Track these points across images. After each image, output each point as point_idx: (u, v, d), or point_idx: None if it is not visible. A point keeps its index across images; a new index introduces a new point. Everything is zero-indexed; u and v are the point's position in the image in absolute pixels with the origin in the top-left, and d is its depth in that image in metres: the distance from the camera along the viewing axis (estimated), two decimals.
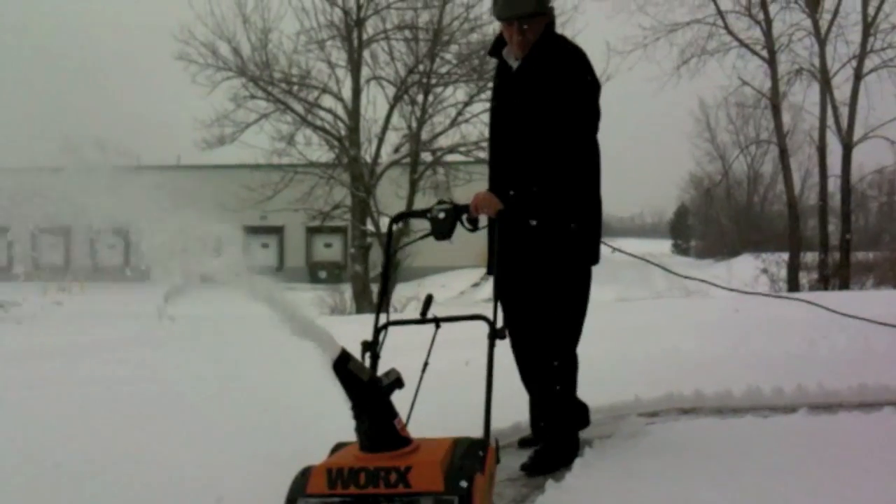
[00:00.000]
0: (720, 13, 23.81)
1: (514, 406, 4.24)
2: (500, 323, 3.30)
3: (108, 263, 50.00)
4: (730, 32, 23.95)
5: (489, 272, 3.85)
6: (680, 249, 75.93)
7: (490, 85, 21.39)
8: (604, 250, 4.11)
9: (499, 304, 3.41)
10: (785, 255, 24.65)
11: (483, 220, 3.74)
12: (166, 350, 8.76)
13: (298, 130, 22.18)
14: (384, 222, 22.77)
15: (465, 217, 3.70)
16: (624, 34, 23.32)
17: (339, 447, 3.03)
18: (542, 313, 3.84)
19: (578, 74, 3.72)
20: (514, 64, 3.88)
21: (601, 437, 4.13)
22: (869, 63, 22.81)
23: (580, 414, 4.09)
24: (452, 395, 4.34)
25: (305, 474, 2.73)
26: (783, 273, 24.50)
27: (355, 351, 3.04)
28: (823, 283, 22.71)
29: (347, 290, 22.83)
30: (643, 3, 23.30)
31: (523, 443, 4.21)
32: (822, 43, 22.94)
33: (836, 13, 22.89)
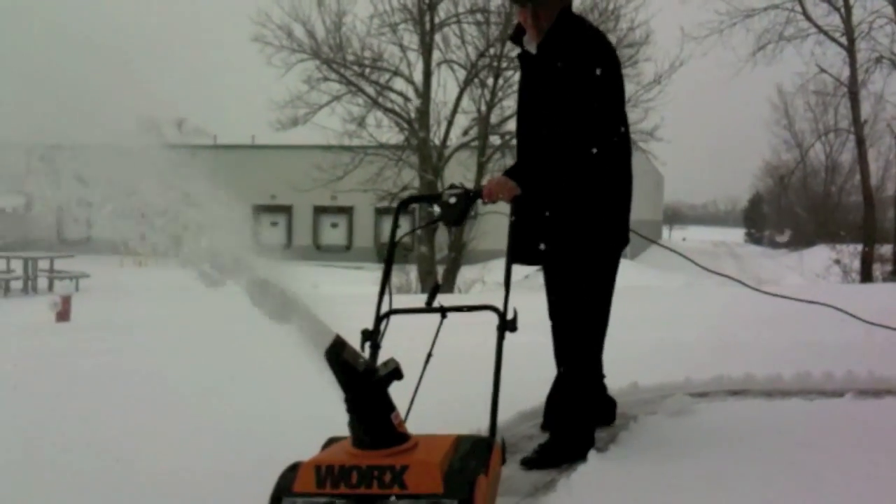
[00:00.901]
0: None
1: (519, 397, 4.25)
2: (510, 314, 3.15)
3: None
4: (808, 18, 23.47)
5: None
6: (753, 238, 74.62)
7: None
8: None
9: (510, 294, 3.28)
10: (860, 247, 24.16)
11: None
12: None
13: (369, 112, 22.55)
14: None
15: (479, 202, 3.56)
16: (699, 19, 23.07)
17: (331, 442, 2.82)
18: (565, 298, 3.77)
19: (590, 58, 3.60)
20: (533, 50, 3.81)
21: (648, 413, 4.27)
22: None
23: (605, 409, 4.11)
24: (459, 387, 4.21)
25: (293, 470, 2.55)
26: (856, 264, 24.03)
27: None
28: None
29: (413, 271, 23.13)
30: None
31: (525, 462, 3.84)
32: None
33: None
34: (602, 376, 4.11)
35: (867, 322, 4.90)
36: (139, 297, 14.23)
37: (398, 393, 2.73)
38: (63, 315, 10.80)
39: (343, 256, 46.35)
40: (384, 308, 3.33)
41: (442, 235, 22.66)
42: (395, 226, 3.73)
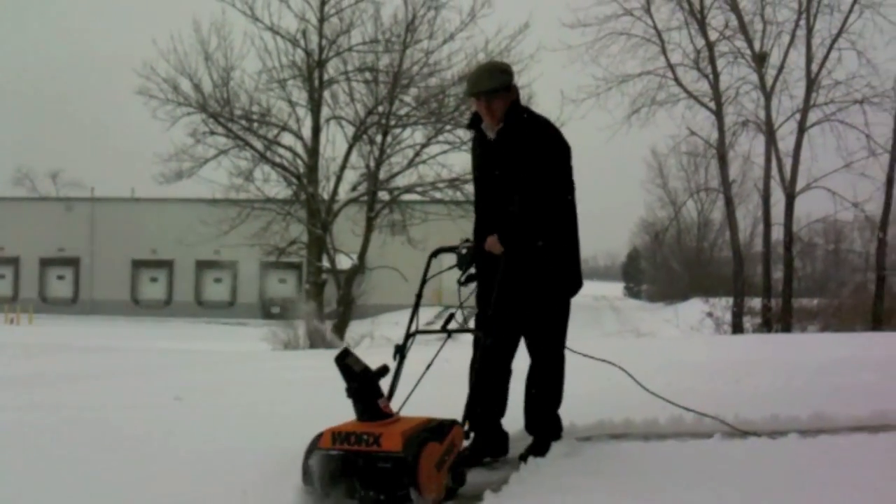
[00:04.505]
0: (670, 66, 24.70)
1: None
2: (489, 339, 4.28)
3: (57, 295, 49.59)
4: (679, 84, 24.84)
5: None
6: (632, 292, 77.08)
7: (447, 128, 21.92)
8: None
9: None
10: (731, 300, 25.34)
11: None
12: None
13: (257, 167, 22.53)
14: (340, 259, 23.05)
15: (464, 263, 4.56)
16: (578, 83, 24.03)
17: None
18: (534, 330, 4.66)
19: (550, 144, 4.50)
20: (492, 135, 4.60)
21: (537, 455, 4.51)
22: (812, 116, 23.77)
23: (499, 441, 4.72)
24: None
25: (321, 434, 3.72)
26: (728, 317, 25.22)
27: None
28: (766, 326, 23.44)
29: (301, 326, 23.03)
30: (596, 55, 24.14)
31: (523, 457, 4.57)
32: (767, 96, 23.88)
33: (781, 69, 23.93)
34: (503, 414, 4.72)
35: (646, 389, 5.32)
36: (26, 353, 13.72)
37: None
38: None
39: (226, 312, 45.52)
40: (412, 329, 4.42)
41: (330, 290, 22.67)
42: (427, 269, 4.69)
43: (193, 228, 22.08)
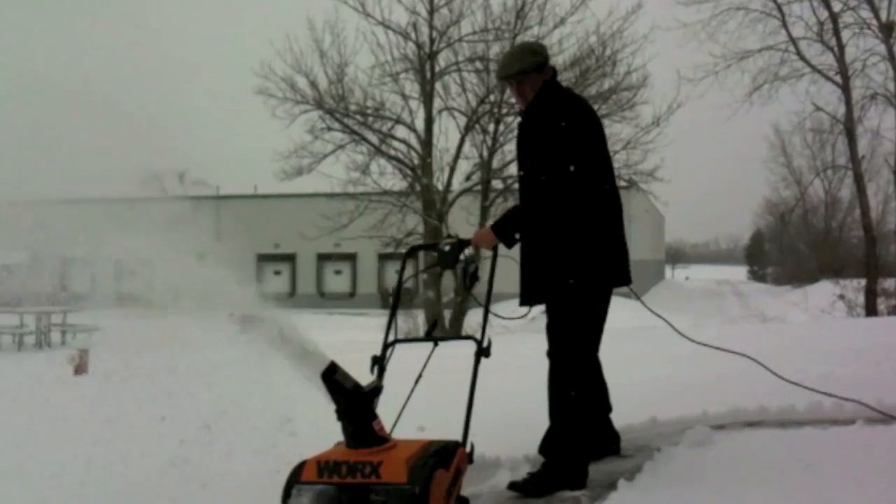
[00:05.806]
0: (792, 40, 23.78)
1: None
2: (486, 343, 3.79)
3: None
4: (802, 58, 23.89)
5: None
6: (756, 276, 74.65)
7: None
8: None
9: (487, 325, 3.93)
10: (864, 281, 24.28)
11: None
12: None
13: (373, 160, 22.81)
14: None
15: (466, 251, 4.11)
16: (695, 62, 23.46)
17: (339, 444, 3.42)
18: (549, 329, 4.19)
19: (553, 120, 4.04)
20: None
21: (670, 444, 4.43)
22: None
23: (609, 441, 4.39)
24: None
25: (301, 466, 3.23)
26: (861, 299, 24.16)
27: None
28: None
29: (420, 315, 23.25)
30: (713, 32, 23.46)
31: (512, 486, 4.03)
32: None
33: None
34: (608, 409, 4.42)
35: (782, 378, 5.00)
36: (151, 347, 14.31)
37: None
38: (81, 368, 10.92)
39: (347, 303, 46.37)
40: (390, 338, 3.98)
41: (447, 279, 22.84)
42: (403, 270, 4.37)
43: (314, 222, 22.56)
